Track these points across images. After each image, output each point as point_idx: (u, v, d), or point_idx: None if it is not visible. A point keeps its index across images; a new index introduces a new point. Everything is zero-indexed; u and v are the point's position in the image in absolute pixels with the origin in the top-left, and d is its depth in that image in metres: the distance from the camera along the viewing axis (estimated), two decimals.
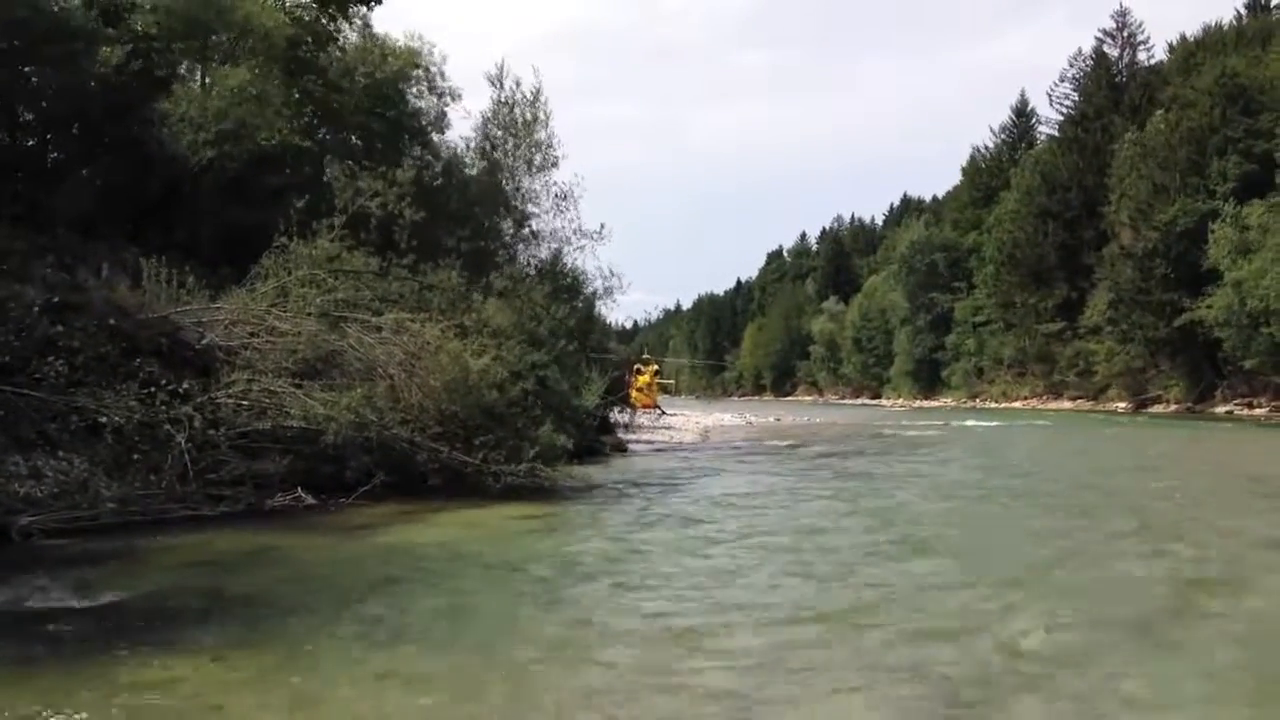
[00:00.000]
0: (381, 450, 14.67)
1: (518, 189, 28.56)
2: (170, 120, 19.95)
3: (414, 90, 26.79)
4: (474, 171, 28.38)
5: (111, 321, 13.87)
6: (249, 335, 15.56)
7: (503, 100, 28.24)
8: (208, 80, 22.76)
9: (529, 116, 28.09)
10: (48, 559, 10.09)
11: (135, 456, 12.62)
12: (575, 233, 28.21)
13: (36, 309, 13.11)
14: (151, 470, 12.70)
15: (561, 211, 28.14)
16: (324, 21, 25.53)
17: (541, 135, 28.04)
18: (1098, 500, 15.92)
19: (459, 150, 28.58)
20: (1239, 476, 19.78)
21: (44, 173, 18.96)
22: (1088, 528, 12.96)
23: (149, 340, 14.43)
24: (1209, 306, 46.60)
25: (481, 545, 11.81)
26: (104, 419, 12.56)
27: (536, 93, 28.16)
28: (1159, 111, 58.86)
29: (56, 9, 18.07)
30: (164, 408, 12.96)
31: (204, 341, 15.14)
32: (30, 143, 19.76)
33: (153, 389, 13.02)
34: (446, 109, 27.53)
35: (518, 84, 28.29)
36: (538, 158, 28.20)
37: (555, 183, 28.23)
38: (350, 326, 16.20)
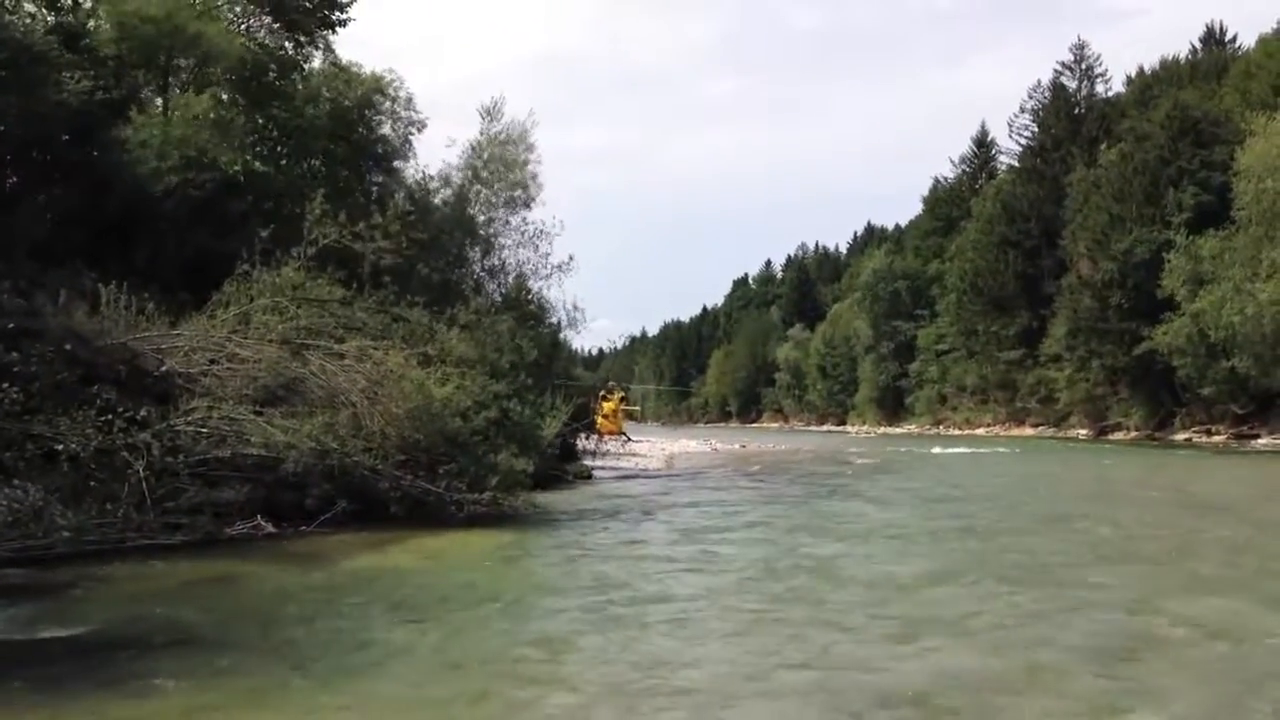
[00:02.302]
0: (343, 478, 14.55)
1: (490, 220, 28.72)
2: (131, 145, 19.80)
3: (379, 119, 26.81)
4: (440, 200, 28.44)
5: (68, 348, 13.70)
6: (209, 362, 15.43)
7: (494, 135, 28.45)
8: (170, 107, 22.67)
9: (516, 157, 28.27)
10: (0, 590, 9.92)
11: (92, 484, 12.45)
12: (544, 265, 28.46)
13: None
14: (108, 498, 12.53)
15: (535, 247, 28.39)
16: (288, 48, 25.54)
17: (521, 175, 28.25)
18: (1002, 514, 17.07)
19: (425, 178, 28.67)
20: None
21: (1, 198, 18.73)
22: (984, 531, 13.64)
23: (107, 367, 14.28)
24: (1165, 333, 47.19)
25: (441, 575, 11.75)
26: (60, 446, 12.39)
27: (524, 133, 28.43)
28: (1103, 146, 59.92)
29: (18, 34, 17.94)
30: (121, 435, 12.81)
31: (163, 368, 14.99)
32: None
33: (110, 416, 12.87)
34: (412, 138, 27.62)
35: (506, 124, 28.56)
36: (517, 193, 28.41)
37: (529, 220, 28.50)
38: (313, 354, 16.09)
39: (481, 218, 28.67)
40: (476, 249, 28.94)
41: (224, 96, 21.52)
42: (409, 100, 26.88)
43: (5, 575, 10.47)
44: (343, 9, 25.77)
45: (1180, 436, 50.09)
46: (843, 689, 6.97)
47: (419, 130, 27.40)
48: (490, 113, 28.68)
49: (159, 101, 23.07)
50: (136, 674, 7.21)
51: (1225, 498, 20.90)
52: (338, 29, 26.18)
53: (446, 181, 28.77)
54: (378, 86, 26.16)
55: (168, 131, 20.10)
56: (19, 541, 11.28)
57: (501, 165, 28.38)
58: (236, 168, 20.34)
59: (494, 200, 28.63)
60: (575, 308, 29.49)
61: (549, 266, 28.60)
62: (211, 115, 20.52)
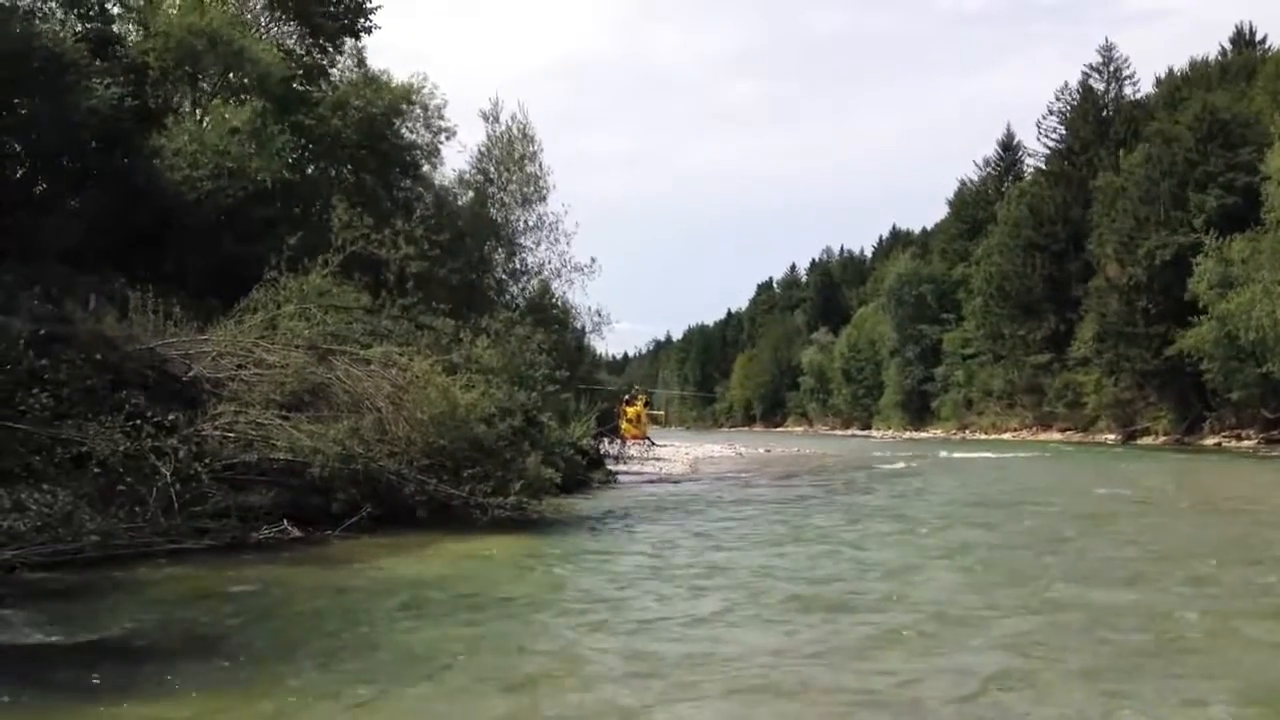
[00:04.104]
0: (369, 482, 14.61)
1: (508, 220, 28.85)
2: (164, 153, 19.92)
3: (408, 125, 26.94)
4: (464, 203, 28.57)
5: (98, 354, 13.82)
6: (236, 367, 15.53)
7: (498, 135, 28.64)
8: (200, 114, 22.84)
9: (520, 151, 28.44)
10: (29, 593, 10.00)
11: (120, 489, 12.53)
12: (565, 266, 28.56)
13: (22, 341, 13.05)
14: (136, 503, 12.61)
15: (553, 244, 28.50)
16: (315, 54, 25.69)
17: (532, 169, 28.41)
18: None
19: (450, 182, 28.82)
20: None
21: (31, 204, 18.93)
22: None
23: (135, 372, 14.39)
24: (1193, 336, 46.71)
25: (465, 579, 11.75)
26: (89, 451, 12.50)
27: (523, 128, 28.61)
28: (1122, 151, 59.54)
29: (48, 41, 18.13)
30: (149, 440, 12.88)
31: (191, 373, 15.10)
32: (18, 174, 19.74)
33: (138, 421, 12.95)
34: (441, 145, 27.74)
35: (513, 118, 28.74)
36: (529, 189, 28.54)
37: (546, 215, 28.60)
38: (338, 359, 16.17)
39: (499, 218, 28.83)
40: (500, 251, 29.10)
41: (260, 106, 21.47)
42: (440, 108, 27.02)
43: (34, 579, 10.56)
44: (367, 15, 25.90)
45: (1210, 441, 49.60)
46: None
47: (448, 137, 27.53)
48: (488, 116, 28.93)
49: (186, 105, 23.23)
50: (163, 678, 7.25)
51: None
52: (362, 36, 26.33)
53: (464, 183, 28.94)
54: (406, 95, 26.23)
55: (204, 140, 20.14)
56: (48, 545, 11.35)
57: (511, 162, 28.58)
58: (264, 176, 20.40)
59: (507, 200, 28.81)
60: (599, 314, 29.66)
61: (570, 268, 28.75)
62: (251, 126, 20.49)
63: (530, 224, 28.83)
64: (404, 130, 26.72)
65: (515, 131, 28.76)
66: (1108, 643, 8.45)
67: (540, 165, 28.70)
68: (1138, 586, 11.10)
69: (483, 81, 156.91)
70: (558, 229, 28.55)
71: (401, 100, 26.08)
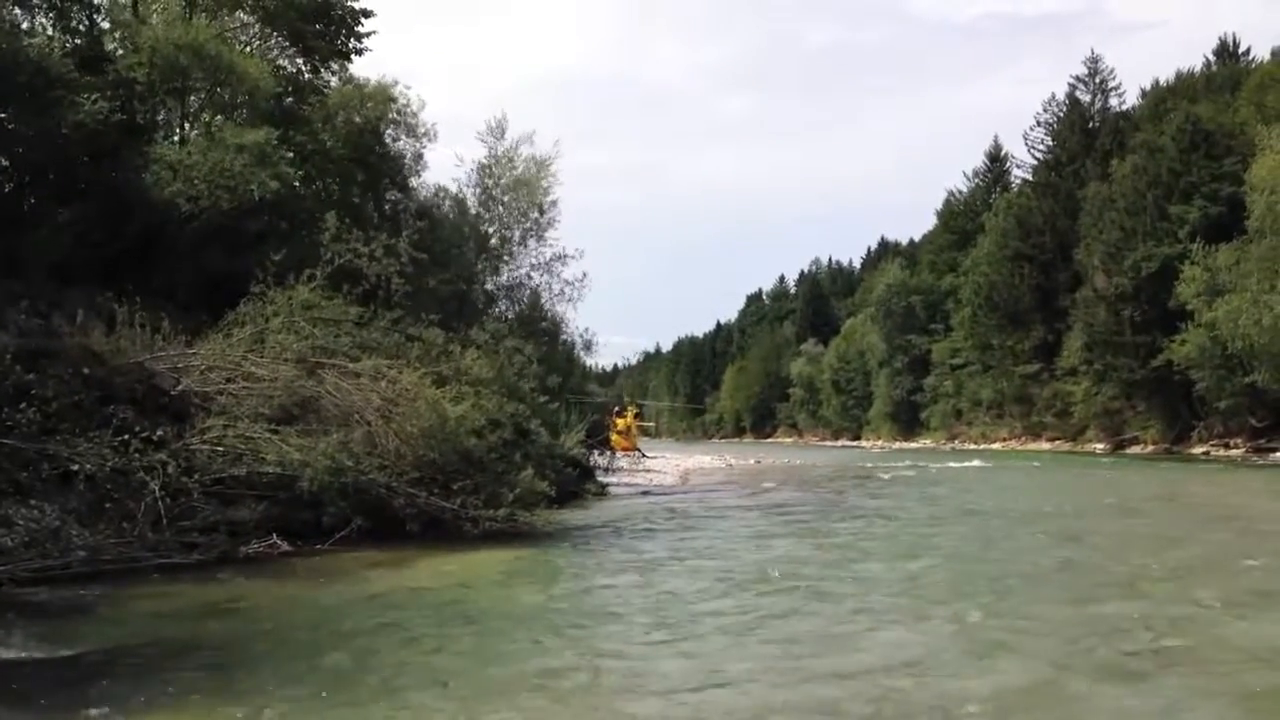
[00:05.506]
0: (358, 496, 14.56)
1: (504, 238, 28.86)
2: (157, 168, 19.79)
3: (391, 133, 26.85)
4: (450, 212, 28.52)
5: (85, 369, 13.77)
6: (225, 381, 15.48)
7: (501, 154, 28.59)
8: (189, 128, 22.78)
9: (533, 174, 28.39)
10: (16, 608, 9.94)
11: (108, 505, 12.48)
12: (558, 283, 28.65)
13: (9, 356, 12.99)
14: (124, 518, 12.56)
15: (554, 273, 28.62)
16: (305, 74, 25.63)
17: (545, 200, 28.43)
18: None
19: (438, 193, 28.77)
20: None
21: (19, 218, 18.86)
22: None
23: (123, 386, 14.34)
24: (1183, 342, 46.85)
25: (455, 593, 11.73)
26: (76, 467, 12.44)
27: (546, 162, 28.55)
28: (1114, 161, 59.94)
29: (35, 55, 18.09)
30: (137, 455, 12.82)
31: (179, 387, 15.05)
32: (6, 188, 19.69)
33: (126, 436, 12.90)
34: (423, 152, 27.66)
35: (516, 143, 28.66)
36: (535, 215, 28.56)
37: (549, 240, 28.66)
38: (327, 372, 16.13)
39: (492, 231, 28.84)
40: (490, 263, 29.11)
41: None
42: (418, 109, 26.91)
43: (23, 595, 10.50)
44: (360, 37, 25.79)
45: (1198, 450, 49.71)
46: None
47: (430, 139, 27.41)
48: (493, 133, 28.89)
49: (175, 120, 23.17)
50: (151, 693, 7.21)
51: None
52: (353, 57, 26.16)
53: (457, 199, 28.91)
54: (387, 95, 26.04)
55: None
56: (36, 561, 11.31)
57: (524, 189, 28.52)
58: (255, 189, 20.25)
59: (507, 219, 28.80)
60: (588, 331, 29.91)
61: (561, 283, 28.83)
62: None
63: (530, 248, 28.92)
64: (388, 138, 26.62)
65: (523, 152, 28.75)
66: None
67: (553, 202, 28.73)
68: None
69: (481, 97, 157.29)
70: (560, 259, 28.68)
71: (382, 103, 25.85)
